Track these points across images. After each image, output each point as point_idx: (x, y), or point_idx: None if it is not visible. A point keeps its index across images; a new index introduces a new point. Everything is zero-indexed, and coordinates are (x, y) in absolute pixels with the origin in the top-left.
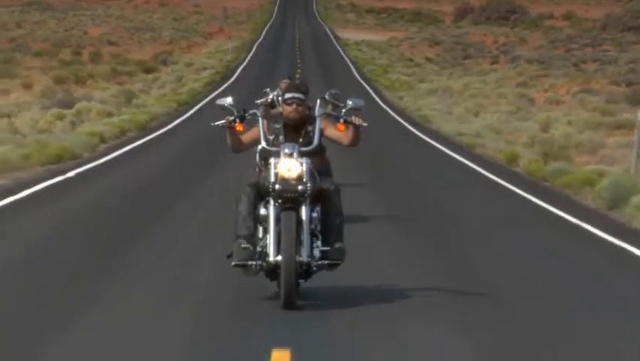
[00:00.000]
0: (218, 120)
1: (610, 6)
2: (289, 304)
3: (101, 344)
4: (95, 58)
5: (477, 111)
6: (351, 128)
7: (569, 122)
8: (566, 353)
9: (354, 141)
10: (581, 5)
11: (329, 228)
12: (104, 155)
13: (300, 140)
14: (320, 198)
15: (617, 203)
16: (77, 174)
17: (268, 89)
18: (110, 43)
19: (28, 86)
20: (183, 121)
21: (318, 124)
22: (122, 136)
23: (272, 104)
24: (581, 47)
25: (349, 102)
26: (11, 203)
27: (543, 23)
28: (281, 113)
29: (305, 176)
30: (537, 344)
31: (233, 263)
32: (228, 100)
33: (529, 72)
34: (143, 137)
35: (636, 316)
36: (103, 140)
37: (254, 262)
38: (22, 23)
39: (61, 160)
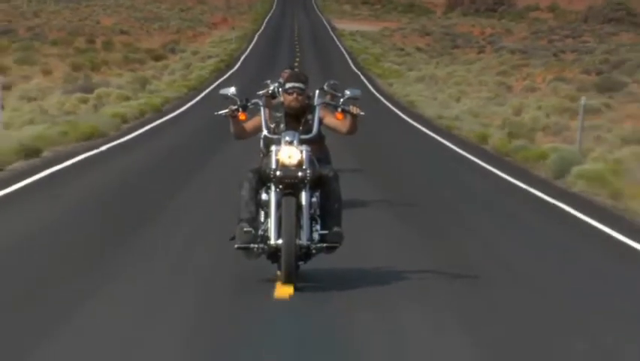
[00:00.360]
0: (221, 109)
1: None
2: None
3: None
4: (108, 46)
5: (459, 97)
6: (348, 117)
7: (539, 108)
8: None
9: (352, 129)
10: None
11: (328, 212)
12: (127, 133)
13: (300, 128)
14: (319, 184)
15: (561, 173)
16: (107, 149)
17: (269, 81)
18: (122, 32)
19: (47, 73)
20: (193, 105)
21: (318, 113)
22: (141, 117)
23: (273, 95)
24: (561, 38)
25: (347, 92)
26: (57, 170)
27: (529, 15)
28: (282, 103)
29: (305, 163)
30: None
31: (235, 246)
32: (231, 90)
33: (511, 61)
34: (159, 118)
35: (552, 252)
36: (125, 120)
37: (256, 245)
38: (39, 13)
39: (92, 137)
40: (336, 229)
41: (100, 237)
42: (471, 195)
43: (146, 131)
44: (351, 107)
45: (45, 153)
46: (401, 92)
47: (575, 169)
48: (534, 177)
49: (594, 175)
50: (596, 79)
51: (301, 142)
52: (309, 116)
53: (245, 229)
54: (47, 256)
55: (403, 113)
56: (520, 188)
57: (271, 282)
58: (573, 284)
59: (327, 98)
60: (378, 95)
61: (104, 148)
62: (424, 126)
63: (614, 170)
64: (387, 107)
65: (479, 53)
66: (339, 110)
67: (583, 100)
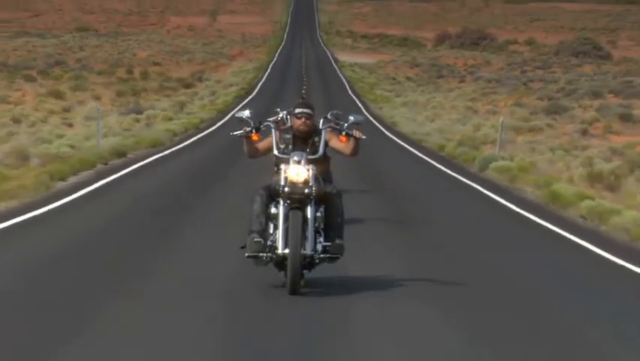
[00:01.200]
0: (237, 130)
1: (565, 33)
2: (294, 291)
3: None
4: (144, 76)
5: (433, 118)
6: (352, 140)
7: (493, 126)
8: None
9: (355, 152)
10: (542, 33)
11: (331, 226)
12: (178, 143)
13: (308, 149)
14: (323, 199)
15: (484, 168)
16: (169, 153)
17: (279, 109)
18: (155, 63)
19: (97, 98)
20: (222, 124)
21: (324, 136)
22: (185, 132)
23: (282, 122)
24: (533, 69)
25: (351, 118)
26: (141, 165)
27: (508, 48)
28: (291, 126)
29: (311, 180)
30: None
31: (246, 254)
32: (246, 113)
33: (483, 89)
34: (198, 133)
35: (456, 208)
36: (175, 134)
37: (264, 254)
38: (84, 47)
39: (156, 145)
40: (338, 241)
41: (178, 195)
42: (419, 181)
43: (191, 142)
44: (354, 131)
45: (129, 155)
46: (387, 114)
47: (492, 165)
48: (466, 171)
49: (502, 169)
50: (546, 104)
51: (308, 162)
52: (316, 139)
53: (255, 240)
54: (145, 211)
55: (387, 130)
56: (454, 177)
57: (278, 287)
58: (463, 224)
59: (332, 123)
60: (368, 116)
61: (166, 152)
62: (400, 139)
63: (521, 166)
64: (375, 125)
65: (460, 82)
66: (344, 133)
67: (501, 119)
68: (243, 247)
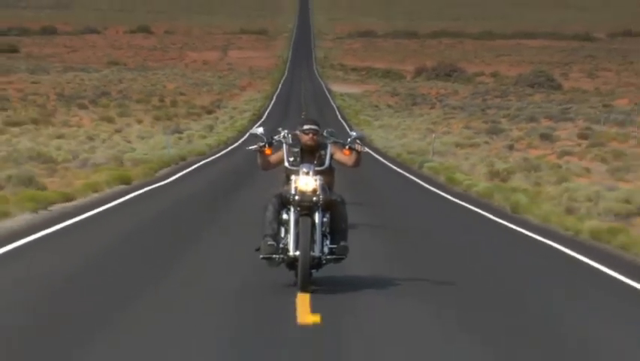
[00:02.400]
0: (252, 145)
1: (526, 66)
2: (304, 289)
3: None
4: (174, 103)
5: (401, 137)
6: (354, 153)
7: (442, 143)
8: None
9: (357, 163)
10: (506, 66)
11: (336, 230)
12: (215, 154)
13: (315, 161)
14: (329, 206)
15: (421, 167)
16: (210, 160)
17: (280, 128)
18: (181, 93)
19: (139, 122)
20: (242, 141)
21: (329, 149)
22: (217, 147)
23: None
24: (492, 98)
25: (353, 133)
26: (197, 166)
27: (475, 79)
28: (299, 141)
29: (318, 190)
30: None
31: (260, 256)
32: (260, 130)
33: (444, 115)
34: (227, 147)
35: (396, 194)
36: (211, 147)
37: (277, 256)
38: (122, 80)
39: (201, 154)
40: (342, 243)
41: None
42: (376, 175)
43: (224, 153)
44: (356, 145)
45: (188, 159)
46: (366, 134)
47: (426, 165)
48: (410, 169)
49: (432, 167)
50: (488, 126)
51: (315, 173)
52: (322, 152)
53: (269, 243)
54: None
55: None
56: (400, 172)
57: (289, 285)
58: (396, 194)
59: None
60: (347, 128)
61: (208, 159)
62: (372, 150)
63: (446, 167)
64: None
65: (430, 108)
66: (347, 147)
67: (434, 135)
68: (257, 250)
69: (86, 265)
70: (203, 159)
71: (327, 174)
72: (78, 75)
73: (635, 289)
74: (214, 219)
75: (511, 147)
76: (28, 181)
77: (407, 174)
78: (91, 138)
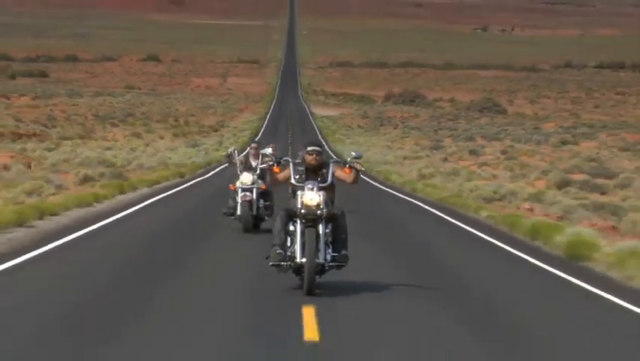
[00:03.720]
0: (261, 165)
1: (478, 93)
2: (310, 293)
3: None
4: (187, 123)
5: (365, 151)
6: (353, 171)
7: (394, 156)
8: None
9: (356, 180)
10: (462, 93)
11: (337, 240)
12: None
13: (318, 179)
14: (331, 219)
15: (371, 171)
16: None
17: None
18: (192, 115)
19: (161, 137)
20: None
21: (331, 168)
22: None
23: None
24: (446, 121)
25: (352, 153)
26: (217, 170)
27: (435, 104)
28: (303, 160)
29: (322, 204)
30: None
31: (270, 263)
32: (269, 150)
33: (403, 134)
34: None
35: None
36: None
37: (285, 263)
38: (144, 103)
39: (218, 161)
40: (343, 252)
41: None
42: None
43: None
44: (355, 164)
45: (212, 164)
46: (339, 149)
47: (375, 169)
48: (370, 175)
49: (380, 171)
50: (432, 144)
51: (319, 189)
52: (324, 170)
53: (277, 251)
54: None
55: (335, 156)
56: (367, 181)
57: (296, 289)
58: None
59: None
60: (327, 149)
61: (224, 165)
62: (333, 154)
63: (389, 170)
64: (329, 154)
65: (394, 128)
66: (347, 166)
67: (353, 153)
68: (267, 257)
69: (188, 211)
70: (222, 165)
71: (329, 190)
72: (107, 99)
73: (464, 228)
74: None
75: (445, 160)
76: (118, 175)
77: (362, 176)
78: (133, 150)
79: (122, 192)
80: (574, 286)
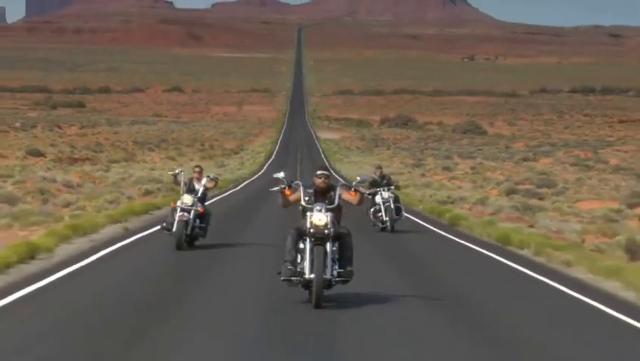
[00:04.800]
0: (273, 187)
1: (464, 117)
2: (318, 305)
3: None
4: (212, 147)
5: (359, 169)
6: (358, 194)
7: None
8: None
9: (361, 202)
10: (449, 117)
11: (343, 257)
12: (249, 177)
13: (326, 201)
14: (338, 238)
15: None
16: (256, 177)
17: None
18: (215, 140)
19: (191, 160)
20: (265, 170)
21: (338, 191)
22: (254, 175)
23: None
24: (432, 141)
25: (358, 178)
26: (246, 183)
27: (425, 127)
28: (313, 184)
29: (329, 224)
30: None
31: (281, 278)
32: (281, 174)
33: (393, 154)
34: (257, 173)
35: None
36: (250, 174)
37: (295, 278)
38: (173, 130)
39: (245, 178)
40: (349, 268)
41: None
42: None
43: (256, 177)
44: (360, 187)
45: (242, 180)
46: (338, 167)
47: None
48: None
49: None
50: (414, 161)
51: (327, 210)
52: (332, 193)
53: (288, 267)
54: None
55: (335, 172)
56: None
57: (305, 303)
58: None
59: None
60: (327, 163)
61: (248, 180)
62: (337, 175)
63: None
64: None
65: (387, 149)
66: (353, 189)
67: (359, 177)
68: (279, 273)
69: (247, 199)
70: (247, 180)
71: (336, 211)
72: (142, 127)
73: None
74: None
75: (423, 175)
76: (171, 189)
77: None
78: (173, 169)
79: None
80: (447, 238)
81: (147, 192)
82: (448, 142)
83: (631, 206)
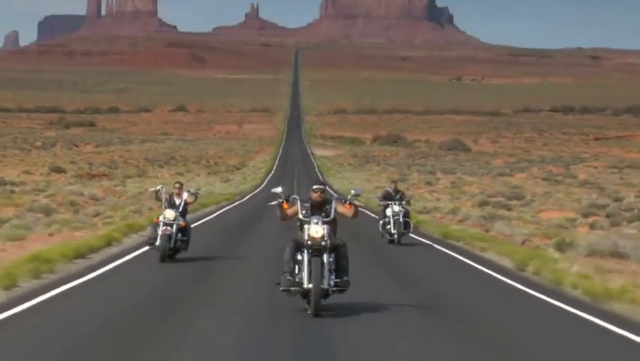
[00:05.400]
0: (272, 201)
1: (450, 135)
2: (316, 314)
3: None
4: (216, 163)
5: (352, 182)
6: (353, 207)
7: (370, 186)
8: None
9: (355, 215)
10: (436, 134)
11: (340, 267)
12: (252, 191)
13: (322, 214)
14: (334, 249)
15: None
16: (259, 190)
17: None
18: (219, 157)
19: (198, 175)
20: (265, 185)
21: (334, 204)
22: (256, 188)
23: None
24: (419, 158)
25: (352, 191)
26: (250, 196)
27: (413, 145)
28: (309, 198)
29: (326, 236)
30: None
31: (280, 289)
32: (279, 189)
33: (382, 169)
34: (259, 187)
35: None
36: (254, 187)
37: (294, 288)
38: (180, 148)
39: (249, 192)
40: (345, 278)
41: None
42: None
43: (258, 191)
44: (355, 201)
45: (245, 193)
46: (332, 181)
47: (349, 196)
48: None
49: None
50: (399, 176)
51: (323, 223)
52: (327, 207)
53: (287, 278)
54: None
55: (328, 187)
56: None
57: (304, 311)
58: None
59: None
60: (321, 178)
61: (254, 192)
62: (330, 189)
63: (364, 195)
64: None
65: (377, 165)
66: (348, 203)
67: (353, 191)
68: (278, 284)
69: (259, 205)
70: (251, 193)
71: (332, 224)
72: (152, 145)
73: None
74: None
75: (407, 188)
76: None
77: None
78: (183, 185)
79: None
80: (414, 239)
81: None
82: (433, 159)
83: (585, 215)
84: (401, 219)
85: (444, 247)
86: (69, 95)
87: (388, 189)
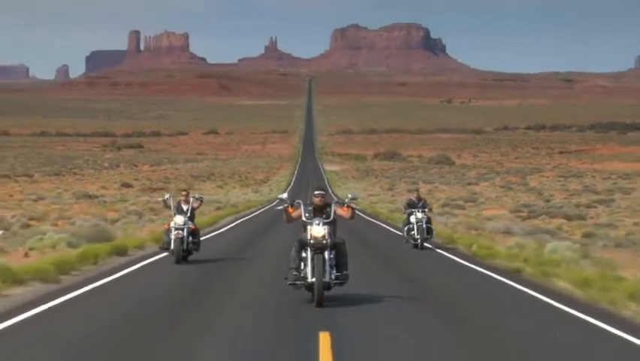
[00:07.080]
0: (279, 206)
1: (438, 150)
2: (319, 305)
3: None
4: (247, 178)
5: (352, 191)
6: (350, 209)
7: (365, 193)
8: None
9: (352, 217)
10: (427, 150)
11: (340, 263)
12: (275, 200)
13: (323, 216)
14: (335, 246)
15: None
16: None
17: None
18: (248, 173)
19: (234, 187)
20: (287, 194)
21: (333, 207)
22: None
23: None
24: (409, 171)
25: (349, 195)
26: (275, 203)
27: (407, 159)
28: (311, 202)
29: (326, 235)
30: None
31: (288, 283)
32: (285, 195)
33: (379, 180)
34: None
35: None
36: (275, 198)
37: (299, 282)
38: (218, 166)
39: (274, 199)
40: (345, 272)
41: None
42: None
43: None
44: (352, 204)
45: (271, 200)
46: (337, 190)
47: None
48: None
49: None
50: (388, 186)
51: (324, 224)
52: (328, 209)
53: (293, 273)
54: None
55: (334, 195)
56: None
57: (309, 302)
58: None
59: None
60: (329, 190)
61: (273, 203)
62: (335, 195)
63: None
64: (331, 193)
65: (375, 177)
66: (346, 205)
67: (350, 195)
68: (285, 278)
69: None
70: (275, 201)
71: (332, 225)
72: (194, 164)
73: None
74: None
75: (393, 195)
76: (233, 205)
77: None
78: (225, 195)
79: (238, 212)
80: (373, 222)
81: (217, 208)
82: (422, 171)
83: (513, 212)
84: (424, 225)
85: (386, 225)
86: (117, 121)
87: (411, 197)
